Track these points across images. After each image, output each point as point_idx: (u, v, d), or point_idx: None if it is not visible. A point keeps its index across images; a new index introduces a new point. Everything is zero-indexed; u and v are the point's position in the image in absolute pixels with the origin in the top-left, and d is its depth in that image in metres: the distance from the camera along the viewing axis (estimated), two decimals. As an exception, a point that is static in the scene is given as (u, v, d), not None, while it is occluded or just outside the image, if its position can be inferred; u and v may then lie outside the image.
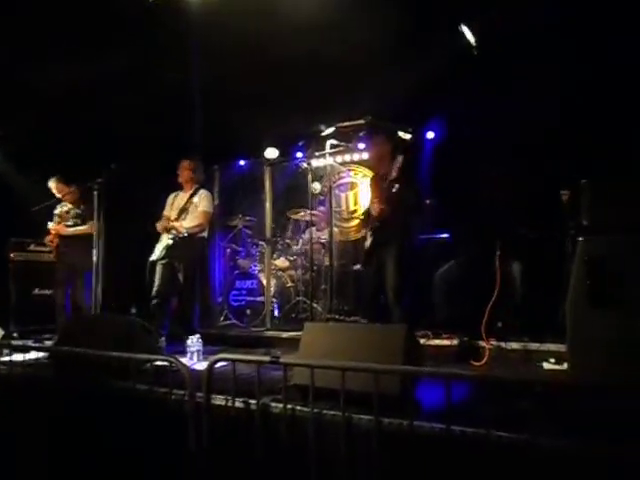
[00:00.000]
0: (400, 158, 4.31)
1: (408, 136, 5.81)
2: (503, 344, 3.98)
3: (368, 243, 4.58)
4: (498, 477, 2.09)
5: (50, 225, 5.52)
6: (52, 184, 5.58)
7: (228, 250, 6.73)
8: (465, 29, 4.52)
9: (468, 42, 4.58)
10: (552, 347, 3.75)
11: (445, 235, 5.24)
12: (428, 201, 5.51)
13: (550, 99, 4.44)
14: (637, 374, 2.57)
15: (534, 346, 3.91)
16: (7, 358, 3.64)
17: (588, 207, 2.86)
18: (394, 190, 4.33)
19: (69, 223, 5.51)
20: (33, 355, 3.67)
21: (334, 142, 4.87)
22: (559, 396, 2.48)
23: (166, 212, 5.12)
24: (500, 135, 4.71)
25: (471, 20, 4.54)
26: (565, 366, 3.16)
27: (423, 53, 4.78)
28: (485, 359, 3.80)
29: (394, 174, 4.31)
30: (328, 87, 5.46)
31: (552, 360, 3.62)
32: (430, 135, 5.76)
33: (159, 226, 5.01)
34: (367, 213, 4.83)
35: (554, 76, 4.35)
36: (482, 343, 3.92)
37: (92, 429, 3.02)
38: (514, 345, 3.98)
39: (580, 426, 2.14)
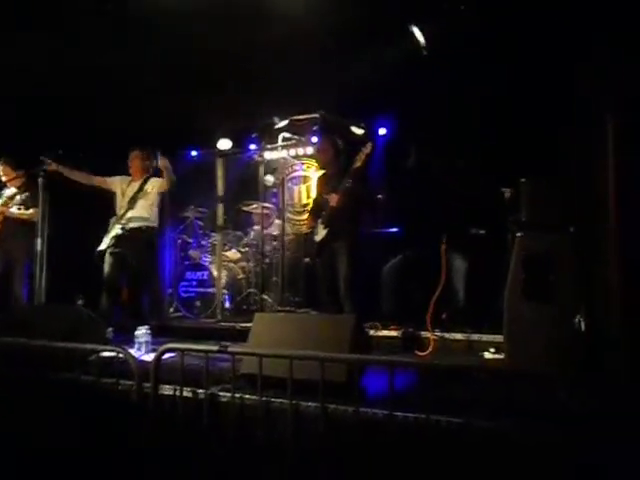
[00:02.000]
0: (369, 145, 4.41)
1: (361, 131, 5.93)
2: (447, 335, 4.14)
3: (321, 235, 4.67)
4: (438, 459, 2.20)
5: None
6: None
7: (179, 241, 6.65)
8: (415, 30, 4.65)
9: (418, 42, 4.72)
10: (492, 338, 3.94)
11: (395, 229, 5.37)
12: (380, 196, 5.65)
13: (495, 99, 4.63)
14: (565, 363, 2.75)
15: (476, 337, 4.08)
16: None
17: (526, 205, 3.02)
18: (348, 184, 4.45)
19: (12, 209, 5.29)
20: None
21: (287, 135, 4.90)
22: (496, 383, 2.63)
23: (119, 200, 5.05)
24: (448, 133, 4.87)
25: (421, 21, 4.67)
26: (503, 355, 3.33)
27: (376, 51, 4.88)
28: (430, 349, 3.94)
29: (358, 163, 4.41)
30: (282, 80, 5.47)
31: (492, 350, 3.81)
32: (382, 131, 5.87)
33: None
34: (317, 205, 4.93)
35: (499, 77, 4.54)
36: (427, 334, 4.06)
37: (36, 421, 2.96)
38: (457, 336, 4.15)
39: (513, 410, 2.28)
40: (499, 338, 3.73)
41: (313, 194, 6.73)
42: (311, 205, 5.37)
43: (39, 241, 4.65)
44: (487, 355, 3.80)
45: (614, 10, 2.86)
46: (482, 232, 4.51)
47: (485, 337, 4.00)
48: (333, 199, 4.52)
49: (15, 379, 3.14)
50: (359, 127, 5.90)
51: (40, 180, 4.68)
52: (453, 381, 2.84)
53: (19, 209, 5.24)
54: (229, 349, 2.47)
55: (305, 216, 6.73)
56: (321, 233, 4.69)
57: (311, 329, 2.79)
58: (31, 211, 5.15)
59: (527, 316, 2.94)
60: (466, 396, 2.58)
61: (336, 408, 2.39)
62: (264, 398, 2.46)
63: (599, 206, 2.32)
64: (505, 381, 2.66)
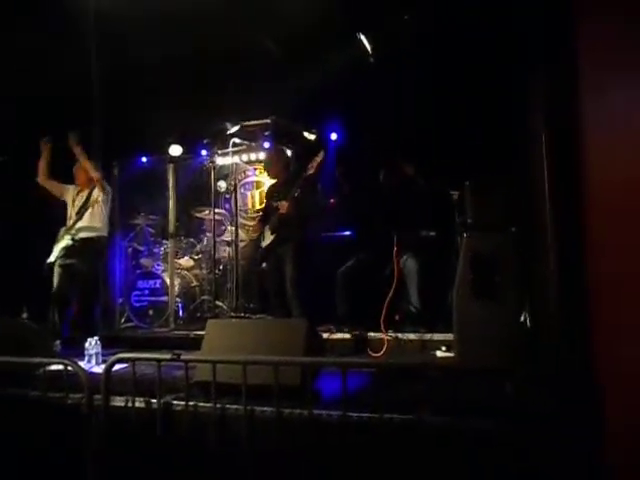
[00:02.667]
0: (321, 154, 4.49)
1: (313, 136, 5.97)
2: (400, 335, 4.21)
3: (267, 240, 4.76)
4: (392, 456, 2.25)
5: None
6: None
7: (130, 249, 6.49)
8: (362, 37, 4.75)
9: (365, 49, 4.82)
10: (444, 337, 4.03)
11: (348, 233, 5.44)
12: (332, 200, 5.70)
13: (441, 103, 4.78)
14: (513, 359, 2.86)
15: (428, 336, 4.17)
16: None
17: (471, 206, 3.13)
18: (297, 193, 4.53)
19: None
20: None
21: (237, 140, 4.91)
22: (447, 380, 2.71)
23: (69, 210, 4.92)
24: (395, 138, 4.99)
25: (368, 29, 4.78)
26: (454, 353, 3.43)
27: (325, 57, 4.95)
28: (383, 350, 4.00)
29: (310, 171, 4.49)
30: (234, 86, 5.47)
31: (443, 348, 3.90)
32: (333, 136, 5.93)
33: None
34: (265, 212, 4.99)
35: (443, 82, 4.69)
36: (381, 335, 4.12)
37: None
38: (411, 336, 4.22)
39: (463, 405, 2.36)
40: (450, 337, 3.84)
41: (266, 200, 6.77)
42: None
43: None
44: (439, 353, 3.88)
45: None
46: (432, 234, 4.62)
47: (437, 336, 4.09)
48: (283, 207, 4.60)
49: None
50: (311, 132, 5.94)
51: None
52: (406, 380, 2.90)
53: None
54: (182, 357, 2.44)
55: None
56: (268, 238, 4.77)
57: (264, 334, 2.80)
58: None
59: (476, 314, 3.02)
60: (418, 394, 2.65)
61: (291, 412, 2.41)
62: (218, 405, 2.45)
63: (537, 206, 2.43)
64: (455, 378, 2.74)
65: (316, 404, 2.43)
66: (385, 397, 2.55)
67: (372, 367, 2.48)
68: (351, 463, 2.28)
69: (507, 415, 2.24)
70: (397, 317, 4.39)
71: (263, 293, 5.59)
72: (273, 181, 5.21)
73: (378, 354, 3.98)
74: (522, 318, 3.18)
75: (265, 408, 2.45)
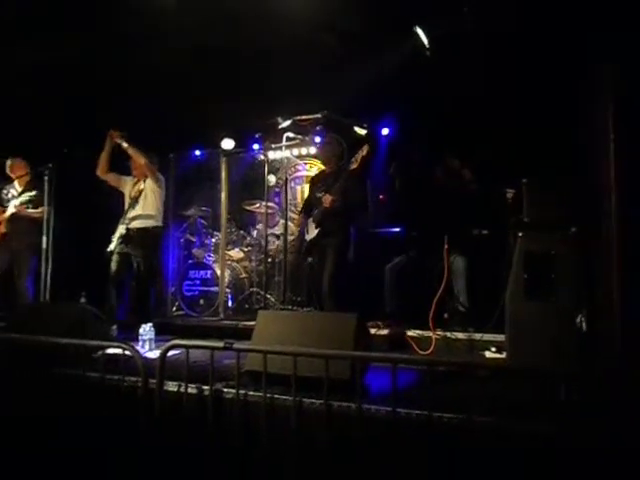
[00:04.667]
0: (365, 148, 4.44)
1: (364, 132, 5.94)
2: (449, 334, 4.16)
3: (312, 234, 4.72)
4: (440, 454, 2.23)
5: (15, 207, 5.31)
6: (11, 162, 5.36)
7: (182, 240, 6.68)
8: (419, 31, 4.68)
9: (422, 43, 4.74)
10: (494, 337, 3.96)
11: (397, 229, 5.40)
12: (381, 196, 5.67)
13: (499, 99, 4.66)
14: (566, 362, 2.77)
15: (477, 336, 4.10)
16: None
17: (528, 205, 3.05)
18: (343, 188, 4.49)
19: (17, 204, 5.30)
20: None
21: (291, 135, 4.92)
22: (497, 380, 2.66)
23: (126, 200, 5.10)
24: (449, 134, 4.90)
25: (425, 22, 4.70)
26: (504, 354, 3.36)
27: (380, 51, 4.90)
28: (431, 348, 3.97)
29: (354, 165, 4.45)
30: (287, 80, 5.51)
31: (493, 349, 3.83)
32: (385, 131, 5.89)
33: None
34: (309, 204, 4.96)
35: (502, 78, 4.56)
36: (429, 333, 4.08)
37: (43, 417, 2.99)
38: (459, 335, 4.17)
39: (513, 407, 2.31)
40: (500, 337, 3.76)
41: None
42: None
43: (44, 239, 4.69)
44: (488, 354, 3.82)
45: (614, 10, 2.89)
46: (484, 232, 4.53)
47: (487, 336, 4.02)
48: (327, 200, 4.55)
49: (21, 375, 3.18)
50: (362, 127, 5.92)
51: (46, 178, 4.72)
52: (455, 379, 2.87)
53: (27, 208, 5.27)
54: (234, 346, 2.49)
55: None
56: (312, 232, 4.73)
57: (314, 326, 2.82)
58: (40, 209, 5.18)
59: (529, 315, 2.95)
60: (468, 393, 2.61)
61: (340, 405, 2.42)
62: (268, 395, 2.49)
63: (600, 205, 2.34)
64: (506, 379, 2.69)
65: (364, 398, 2.43)
66: (434, 395, 2.53)
67: (424, 364, 2.45)
68: (398, 459, 2.28)
69: (560, 418, 2.18)
70: (446, 315, 4.34)
71: (311, 286, 5.64)
72: (317, 171, 5.18)
73: (426, 352, 3.95)
74: (578, 320, 3.08)
75: (314, 400, 2.47)
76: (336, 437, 2.39)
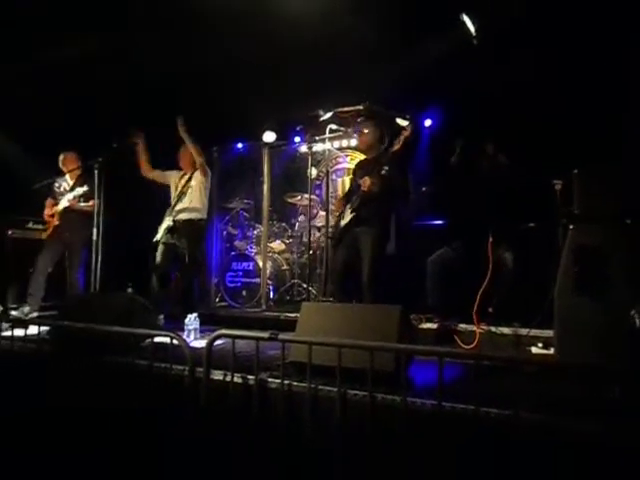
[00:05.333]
0: (408, 127, 4.34)
1: (406, 123, 5.87)
2: (494, 329, 4.08)
3: (346, 220, 4.56)
4: (485, 450, 2.20)
5: (52, 201, 5.52)
6: (64, 157, 5.54)
7: (225, 232, 6.79)
8: (466, 18, 4.57)
9: (468, 31, 4.63)
10: (540, 332, 3.86)
11: (440, 222, 5.33)
12: (424, 188, 5.60)
13: (545, 89, 4.51)
14: (618, 359, 2.68)
15: (524, 331, 4.00)
16: (8, 333, 3.71)
17: (579, 196, 2.94)
18: (384, 172, 4.39)
19: (70, 198, 5.49)
20: (34, 330, 3.72)
21: (334, 126, 4.89)
22: (545, 377, 2.59)
23: (172, 193, 5.21)
24: (495, 125, 4.78)
25: (472, 10, 4.58)
26: (552, 351, 3.27)
27: (425, 40, 4.81)
28: (475, 342, 3.90)
29: (396, 146, 4.34)
30: (327, 72, 5.49)
31: (540, 345, 3.73)
32: (427, 122, 5.81)
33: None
34: (349, 191, 4.85)
35: (549, 67, 4.42)
36: (473, 327, 4.02)
37: (92, 403, 3.10)
38: (505, 330, 4.08)
39: (562, 404, 2.25)
40: (547, 333, 3.66)
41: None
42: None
43: (95, 231, 4.84)
44: (534, 350, 3.72)
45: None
46: (531, 225, 4.42)
47: (533, 332, 3.92)
48: (365, 183, 4.39)
49: (73, 361, 3.30)
50: (404, 119, 5.84)
51: (96, 171, 4.87)
52: (500, 374, 2.81)
53: (78, 201, 5.44)
54: (279, 337, 2.52)
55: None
56: (347, 217, 4.56)
57: (358, 318, 2.82)
58: (91, 203, 5.35)
59: (578, 311, 2.86)
60: (514, 390, 2.56)
61: (384, 397, 2.42)
62: (312, 385, 2.50)
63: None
64: (554, 375, 2.62)
65: (408, 391, 2.42)
66: (480, 390, 2.49)
67: (470, 358, 2.41)
68: (442, 453, 2.26)
69: (613, 418, 2.11)
70: (490, 309, 4.25)
71: (341, 277, 5.61)
72: (358, 160, 5.11)
73: (469, 346, 3.88)
74: (631, 317, 2.96)
75: (357, 392, 2.47)
76: (380, 429, 2.39)
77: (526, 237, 4.47)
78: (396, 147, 4.35)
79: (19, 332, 3.69)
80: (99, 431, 3.00)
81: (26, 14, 4.86)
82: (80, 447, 3.03)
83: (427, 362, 2.73)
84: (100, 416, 3.02)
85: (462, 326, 4.16)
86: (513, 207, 4.43)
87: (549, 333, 3.42)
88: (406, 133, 4.32)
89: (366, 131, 4.82)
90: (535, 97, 4.53)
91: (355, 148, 6.78)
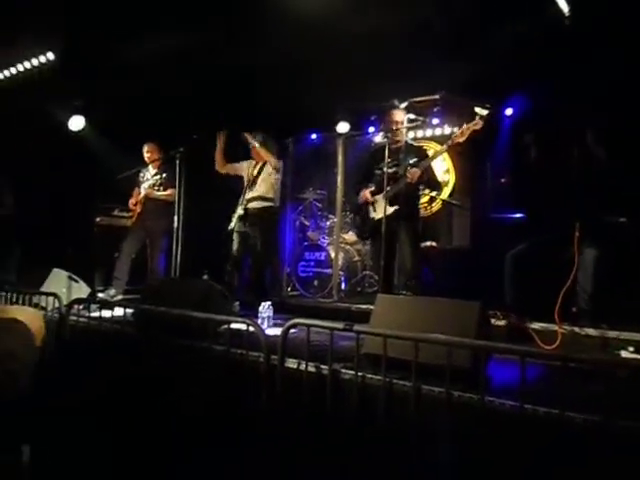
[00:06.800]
0: (477, 121, 4.14)
1: (485, 112, 5.65)
2: (577, 329, 3.86)
3: (381, 213, 4.37)
4: (568, 457, 2.08)
5: (137, 190, 5.79)
6: (147, 147, 5.80)
7: (297, 222, 6.86)
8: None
9: (560, 10, 4.34)
10: (631, 336, 3.61)
11: (520, 215, 5.11)
12: (503, 179, 5.38)
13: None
14: None
15: (612, 334, 3.76)
16: (96, 314, 3.94)
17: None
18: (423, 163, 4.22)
19: (146, 187, 5.73)
20: (120, 312, 3.92)
21: (412, 116, 4.78)
22: (636, 383, 2.42)
23: (245, 182, 5.31)
24: (586, 113, 4.49)
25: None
26: (644, 355, 3.05)
27: (510, 22, 4.56)
28: (557, 343, 3.71)
29: (459, 138, 4.17)
30: (402, 60, 5.37)
31: (631, 349, 3.48)
32: (509, 111, 5.57)
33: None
34: (364, 176, 4.70)
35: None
36: (554, 326, 3.82)
37: (172, 383, 3.22)
38: (590, 331, 3.85)
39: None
40: (637, 336, 3.43)
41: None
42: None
43: (175, 219, 5.03)
44: (624, 354, 3.48)
45: None
46: (622, 220, 4.13)
47: (623, 335, 3.67)
48: (414, 174, 4.24)
49: (154, 344, 3.44)
50: (484, 108, 5.63)
51: (177, 162, 5.05)
52: (585, 377, 2.65)
53: (158, 190, 5.68)
54: (354, 328, 2.50)
55: (423, 199, 6.61)
56: (381, 210, 4.36)
57: (434, 313, 2.75)
58: (168, 191, 5.57)
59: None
60: (602, 394, 2.40)
61: (460, 395, 2.34)
62: (387, 379, 2.47)
63: None
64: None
65: (487, 391, 2.33)
66: (564, 393, 2.36)
67: (556, 359, 2.28)
68: (520, 457, 2.16)
69: None
70: (574, 309, 4.02)
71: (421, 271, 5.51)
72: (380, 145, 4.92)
73: (550, 346, 3.70)
74: None
75: (433, 388, 2.41)
76: (456, 428, 2.32)
77: (615, 233, 4.18)
78: (458, 139, 4.17)
79: (106, 313, 3.91)
80: (174, 413, 3.11)
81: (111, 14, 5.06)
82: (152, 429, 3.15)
83: (503, 360, 2.64)
84: (177, 398, 3.14)
85: (542, 325, 3.97)
86: (604, 200, 4.17)
87: (641, 336, 3.20)
88: (475, 127, 4.12)
89: (396, 114, 4.65)
90: (631, 82, 4.21)
91: (431, 138, 6.64)
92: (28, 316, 1.14)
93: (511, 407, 2.22)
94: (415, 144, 4.34)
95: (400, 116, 4.59)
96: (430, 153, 4.47)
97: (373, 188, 4.53)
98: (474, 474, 2.28)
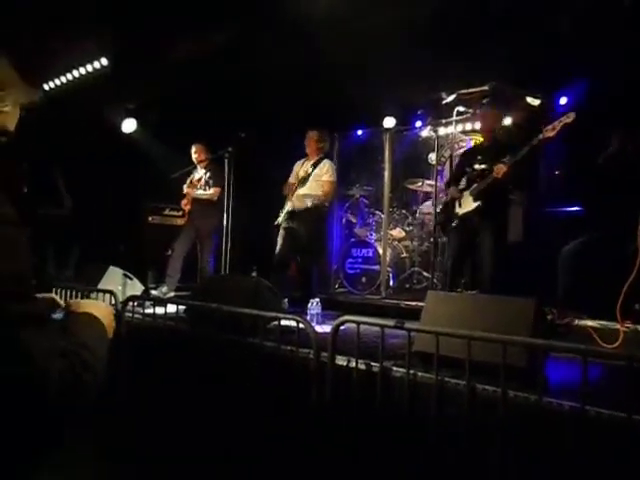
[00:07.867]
0: (571, 115, 3.91)
1: (537, 102, 5.46)
2: (640, 328, 3.68)
3: (466, 208, 4.33)
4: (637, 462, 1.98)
5: (185, 189, 5.93)
6: (195, 148, 5.91)
7: (344, 219, 6.84)
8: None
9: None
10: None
11: (576, 208, 4.91)
12: (557, 172, 5.18)
13: None
14: None
15: (679, 333, 3.57)
16: (150, 311, 4.04)
17: None
18: (516, 159, 4.09)
19: (201, 190, 5.85)
20: (173, 309, 4.01)
21: (461, 109, 4.66)
22: None
23: (291, 179, 5.33)
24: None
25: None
26: None
27: (563, 5, 4.35)
28: (619, 341, 3.54)
29: (550, 133, 3.98)
30: (450, 51, 5.25)
31: (702, 349, 3.29)
32: (563, 101, 5.35)
33: (285, 189, 5.24)
34: (456, 175, 4.61)
35: None
36: (615, 325, 3.66)
37: (223, 379, 3.27)
38: (654, 330, 3.67)
39: None
40: None
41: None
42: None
43: (225, 217, 5.11)
44: (691, 353, 3.29)
45: None
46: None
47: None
48: (500, 170, 4.13)
49: (206, 340, 3.50)
50: (535, 97, 5.44)
51: (225, 161, 5.12)
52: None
53: (203, 189, 5.78)
54: (405, 325, 2.47)
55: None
56: (467, 206, 4.33)
57: (488, 310, 2.68)
58: (211, 191, 5.67)
59: None
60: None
61: (516, 395, 2.27)
62: (439, 377, 2.42)
63: None
64: None
65: (544, 391, 2.25)
66: (628, 395, 2.25)
67: (621, 359, 2.17)
68: (582, 461, 2.07)
69: None
70: (637, 306, 3.83)
71: (474, 268, 5.39)
72: (474, 145, 4.82)
73: (612, 345, 3.54)
74: None
75: (487, 387, 2.35)
76: (511, 428, 2.25)
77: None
78: (548, 134, 4.00)
79: (159, 310, 4.01)
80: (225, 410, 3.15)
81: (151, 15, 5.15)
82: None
83: (558, 359, 2.54)
84: (230, 393, 3.18)
85: (601, 323, 3.81)
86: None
87: None
88: (568, 120, 3.90)
89: (486, 116, 4.57)
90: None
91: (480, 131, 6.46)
92: (102, 311, 1.16)
93: (571, 408, 2.13)
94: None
95: (493, 118, 4.59)
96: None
97: (464, 185, 4.49)
98: (528, 475, 2.21)
